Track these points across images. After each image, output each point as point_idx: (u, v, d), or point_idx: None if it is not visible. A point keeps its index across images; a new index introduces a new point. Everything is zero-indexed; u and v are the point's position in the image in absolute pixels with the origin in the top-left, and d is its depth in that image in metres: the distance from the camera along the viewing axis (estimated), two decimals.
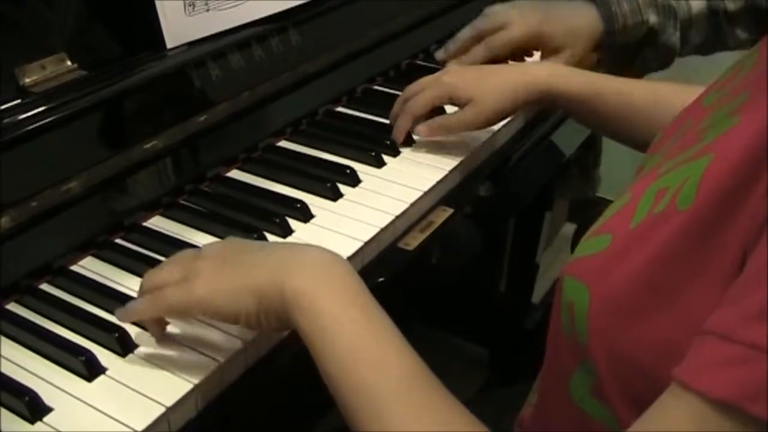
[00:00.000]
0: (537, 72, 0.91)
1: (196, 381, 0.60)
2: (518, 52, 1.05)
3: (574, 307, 0.56)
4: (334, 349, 0.54)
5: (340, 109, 1.03)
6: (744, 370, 0.40)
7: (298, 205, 0.80)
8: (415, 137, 0.93)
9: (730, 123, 0.51)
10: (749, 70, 0.56)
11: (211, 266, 0.60)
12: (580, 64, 1.03)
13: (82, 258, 0.74)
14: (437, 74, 0.94)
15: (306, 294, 0.56)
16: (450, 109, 0.94)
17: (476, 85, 0.90)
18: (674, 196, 0.51)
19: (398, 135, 0.92)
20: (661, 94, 0.85)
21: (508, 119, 0.96)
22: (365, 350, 0.54)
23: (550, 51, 1.03)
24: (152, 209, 0.80)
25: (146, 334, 0.65)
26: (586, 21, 1.03)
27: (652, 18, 1.04)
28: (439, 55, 1.05)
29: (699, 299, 0.47)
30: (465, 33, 1.04)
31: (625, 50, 1.07)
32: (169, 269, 0.62)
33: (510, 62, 1.04)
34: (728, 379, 0.40)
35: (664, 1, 1.05)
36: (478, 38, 1.03)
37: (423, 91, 0.92)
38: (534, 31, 1.02)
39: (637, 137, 0.85)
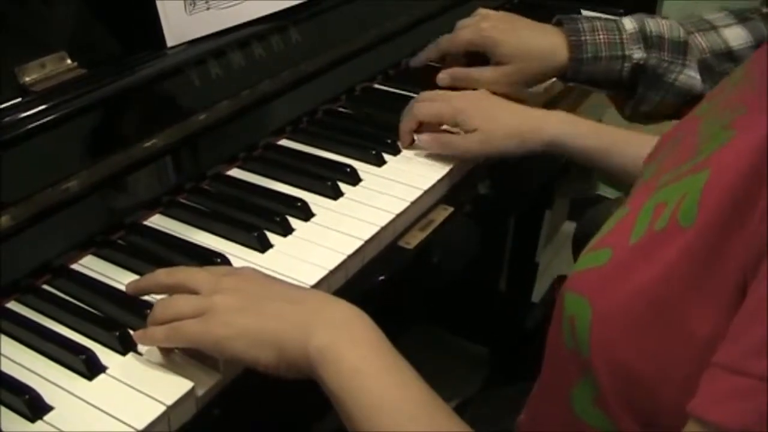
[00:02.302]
0: (548, 121, 0.89)
1: (196, 380, 0.61)
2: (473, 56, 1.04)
3: (575, 321, 0.56)
4: (362, 402, 0.55)
5: (340, 107, 1.03)
6: (753, 402, 0.41)
7: (299, 204, 0.80)
8: (415, 137, 0.93)
9: (727, 137, 0.51)
10: (744, 82, 0.56)
11: (231, 305, 0.60)
12: (533, 83, 1.01)
13: (82, 257, 0.74)
14: (450, 93, 0.94)
15: (331, 351, 0.56)
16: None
17: (486, 117, 0.89)
18: (674, 212, 0.51)
19: (402, 135, 0.92)
20: None
21: None
22: (391, 401, 0.54)
23: (496, 59, 0.99)
24: (153, 208, 0.80)
25: None
26: (547, 43, 0.99)
27: (637, 54, 0.96)
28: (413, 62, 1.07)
29: (701, 319, 0.48)
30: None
31: (619, 88, 1.00)
32: (185, 300, 0.62)
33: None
34: (739, 410, 0.41)
35: (678, 38, 0.97)
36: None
37: (432, 102, 0.92)
38: (482, 36, 0.99)
39: None
